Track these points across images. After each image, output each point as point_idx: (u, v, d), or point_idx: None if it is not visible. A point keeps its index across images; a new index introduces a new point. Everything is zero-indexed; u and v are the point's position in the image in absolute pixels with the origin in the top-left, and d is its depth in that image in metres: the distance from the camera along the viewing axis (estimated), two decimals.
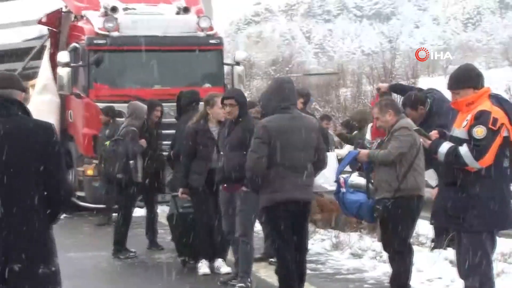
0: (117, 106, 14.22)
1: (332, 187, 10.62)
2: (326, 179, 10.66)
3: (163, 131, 12.37)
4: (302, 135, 7.99)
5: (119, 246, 11.30)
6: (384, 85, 11.61)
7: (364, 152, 8.46)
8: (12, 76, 5.50)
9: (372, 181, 8.39)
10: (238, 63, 16.65)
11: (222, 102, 9.14)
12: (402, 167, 8.14)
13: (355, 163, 8.86)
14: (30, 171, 5.18)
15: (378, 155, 8.24)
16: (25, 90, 5.66)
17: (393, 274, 8.29)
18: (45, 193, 5.22)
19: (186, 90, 11.89)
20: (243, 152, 8.43)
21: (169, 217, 10.61)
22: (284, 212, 7.88)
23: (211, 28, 15.94)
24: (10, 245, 5.09)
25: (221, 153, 9.08)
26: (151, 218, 12.07)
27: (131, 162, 11.33)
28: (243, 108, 9.01)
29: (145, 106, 11.74)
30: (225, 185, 9.07)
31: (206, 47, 15.90)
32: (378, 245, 10.87)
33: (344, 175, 8.71)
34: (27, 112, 5.38)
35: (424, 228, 10.97)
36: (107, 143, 12.11)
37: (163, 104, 12.78)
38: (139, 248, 11.67)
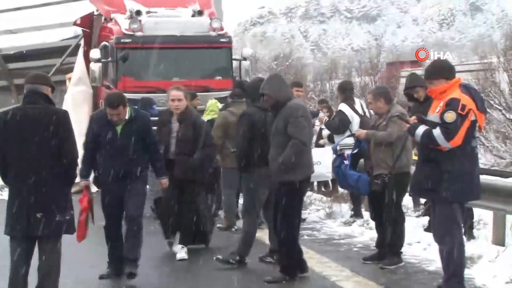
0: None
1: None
2: (327, 170, 10.52)
3: None
4: None
5: None
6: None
7: (363, 131, 8.49)
8: (39, 75, 6.48)
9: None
10: (245, 59, 16.57)
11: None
12: (396, 148, 8.18)
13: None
14: (48, 145, 6.08)
15: (378, 135, 8.26)
16: (51, 85, 6.41)
17: (390, 239, 8.25)
18: (59, 161, 6.10)
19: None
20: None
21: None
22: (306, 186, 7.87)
23: (221, 29, 15.87)
24: (35, 200, 6.05)
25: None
26: None
27: None
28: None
29: None
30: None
31: (217, 45, 15.81)
32: (365, 214, 10.91)
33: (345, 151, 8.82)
34: (50, 102, 6.27)
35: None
36: None
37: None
38: None
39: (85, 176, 7.71)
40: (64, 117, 6.22)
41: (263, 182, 8.07)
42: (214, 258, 8.38)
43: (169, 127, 8.82)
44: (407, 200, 10.76)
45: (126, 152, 7.57)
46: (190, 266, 8.53)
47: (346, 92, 11.22)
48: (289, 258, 7.63)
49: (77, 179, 6.79)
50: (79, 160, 6.62)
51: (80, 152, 6.83)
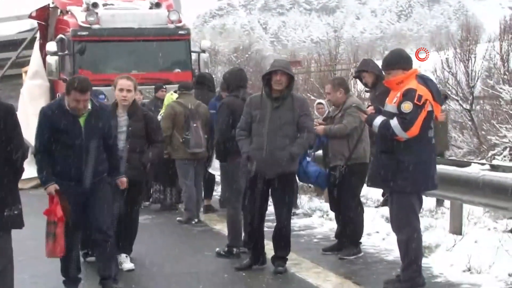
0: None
1: None
2: None
3: None
4: None
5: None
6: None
7: (320, 128, 8.42)
8: None
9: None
10: (203, 51, 16.55)
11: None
12: (352, 139, 8.19)
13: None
14: None
15: (333, 129, 8.26)
16: None
17: (349, 230, 8.31)
18: (6, 155, 5.75)
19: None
20: None
21: None
22: None
23: (179, 21, 15.81)
24: None
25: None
26: None
27: None
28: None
29: None
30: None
31: (176, 37, 15.75)
32: (325, 206, 10.95)
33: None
34: None
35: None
36: None
37: (140, 87, 12.71)
38: None
39: (49, 180, 6.60)
40: (10, 110, 5.92)
41: (241, 171, 7.98)
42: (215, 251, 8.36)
43: (115, 121, 7.62)
44: (366, 191, 10.84)
45: (93, 148, 6.62)
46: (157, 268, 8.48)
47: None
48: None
49: (29, 175, 6.53)
50: (36, 168, 6.40)
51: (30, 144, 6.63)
